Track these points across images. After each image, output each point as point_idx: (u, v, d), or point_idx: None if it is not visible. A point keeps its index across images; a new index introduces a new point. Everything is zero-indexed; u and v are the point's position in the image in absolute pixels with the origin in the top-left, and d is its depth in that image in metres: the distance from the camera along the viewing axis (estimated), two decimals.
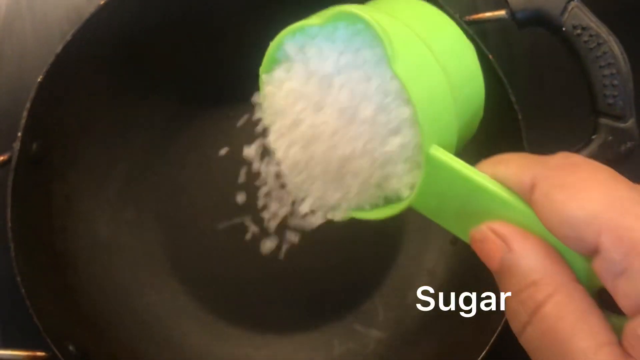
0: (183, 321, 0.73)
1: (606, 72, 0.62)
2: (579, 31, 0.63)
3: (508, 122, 0.65)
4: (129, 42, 0.70)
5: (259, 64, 0.46)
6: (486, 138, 0.68)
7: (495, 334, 0.62)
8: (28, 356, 0.61)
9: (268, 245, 0.70)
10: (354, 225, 0.48)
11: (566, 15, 0.63)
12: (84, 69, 0.69)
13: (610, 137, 0.63)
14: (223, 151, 0.64)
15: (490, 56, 0.65)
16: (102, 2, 0.65)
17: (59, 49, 0.64)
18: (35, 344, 0.61)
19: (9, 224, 0.62)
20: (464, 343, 0.67)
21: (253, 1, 0.71)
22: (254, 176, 0.50)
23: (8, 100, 0.78)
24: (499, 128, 0.66)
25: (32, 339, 0.61)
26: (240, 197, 0.58)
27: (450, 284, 0.73)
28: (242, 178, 0.63)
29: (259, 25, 0.59)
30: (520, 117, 0.64)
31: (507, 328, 0.60)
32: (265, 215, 0.50)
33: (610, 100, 0.62)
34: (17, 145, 0.63)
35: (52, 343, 0.61)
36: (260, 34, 0.46)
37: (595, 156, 0.63)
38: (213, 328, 0.73)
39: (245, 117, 0.52)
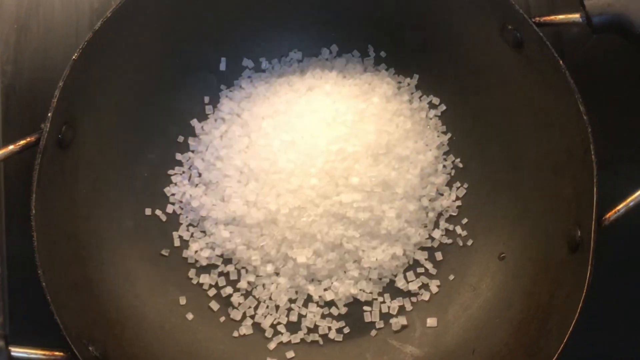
0: (208, 326, 0.68)
1: None
2: None
3: (575, 134, 0.61)
4: (168, 18, 0.66)
5: None
6: (556, 153, 0.64)
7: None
8: (45, 355, 0.56)
9: None
10: None
11: None
12: (120, 48, 0.65)
13: None
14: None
15: (561, 62, 0.60)
16: None
17: (97, 25, 0.60)
18: (53, 342, 0.57)
19: (33, 211, 0.58)
20: None
21: None
22: None
23: (34, 79, 0.73)
24: (565, 140, 0.62)
25: (50, 337, 0.57)
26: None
27: (496, 300, 0.67)
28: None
29: None
30: (589, 129, 0.59)
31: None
32: None
33: None
34: (46, 126, 0.59)
35: (72, 342, 0.57)
36: None
37: None
38: (243, 337, 0.68)
39: None
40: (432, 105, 0.73)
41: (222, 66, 0.72)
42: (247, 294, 0.69)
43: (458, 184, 0.71)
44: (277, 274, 0.68)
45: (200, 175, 0.70)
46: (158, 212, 0.71)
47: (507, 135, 0.69)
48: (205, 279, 0.69)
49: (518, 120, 0.68)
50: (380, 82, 0.71)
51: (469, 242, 0.70)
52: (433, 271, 0.70)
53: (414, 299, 0.69)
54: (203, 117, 0.72)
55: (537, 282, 0.64)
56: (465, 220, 0.71)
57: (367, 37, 0.72)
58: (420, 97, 0.72)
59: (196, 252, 0.69)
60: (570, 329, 0.57)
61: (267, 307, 0.68)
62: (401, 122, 0.69)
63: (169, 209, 0.71)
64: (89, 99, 0.64)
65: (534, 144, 0.67)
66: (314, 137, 0.66)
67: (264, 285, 0.68)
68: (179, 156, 0.71)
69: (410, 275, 0.69)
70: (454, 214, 0.71)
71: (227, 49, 0.72)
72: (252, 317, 0.69)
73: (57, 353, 0.57)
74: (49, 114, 0.59)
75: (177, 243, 0.70)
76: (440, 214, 0.70)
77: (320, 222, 0.65)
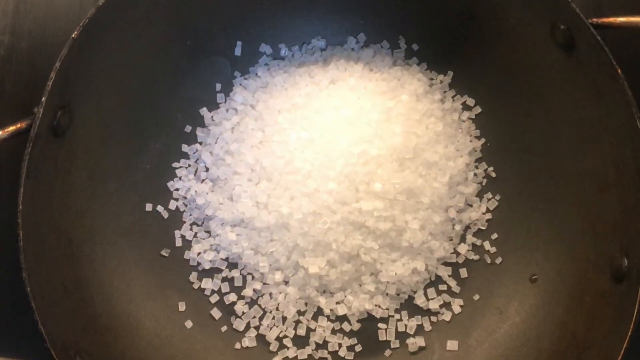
0: (208, 335, 0.64)
1: None
2: None
3: (628, 150, 0.55)
4: None
5: None
6: (603, 169, 0.58)
7: None
8: None
9: None
10: None
11: None
12: (125, 27, 0.60)
13: None
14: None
15: (619, 70, 0.54)
16: None
17: (101, 1, 0.54)
18: (37, 353, 0.52)
19: (20, 207, 0.53)
20: None
21: None
22: None
23: (33, 51, 0.68)
24: (615, 156, 0.56)
25: (33, 347, 0.52)
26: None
27: (524, 326, 0.62)
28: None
29: None
30: None
31: None
32: None
33: None
34: (39, 110, 0.54)
35: (56, 354, 0.52)
36: None
37: None
38: (246, 349, 0.64)
39: None
40: (466, 107, 0.67)
41: (238, 51, 0.67)
42: (252, 303, 0.64)
43: (489, 195, 0.66)
44: (286, 283, 0.64)
45: (207, 170, 0.66)
46: (160, 208, 0.66)
47: (547, 145, 0.64)
48: (207, 284, 0.65)
49: (562, 129, 0.62)
50: (411, 78, 0.66)
51: (498, 260, 0.65)
52: (456, 289, 0.65)
53: (433, 319, 0.65)
54: (214, 106, 0.67)
55: (573, 312, 0.59)
56: (495, 236, 0.66)
57: (399, 26, 0.67)
58: (453, 97, 0.67)
59: (199, 254, 0.65)
60: None
61: (274, 318, 0.64)
62: (431, 123, 0.64)
63: (172, 205, 0.66)
64: (88, 83, 0.58)
65: (578, 157, 0.61)
66: (335, 137, 0.62)
67: (271, 294, 0.64)
68: (185, 148, 0.66)
69: (431, 292, 0.65)
70: (483, 228, 0.66)
71: (243, 33, 0.67)
72: (257, 328, 0.64)
73: None
74: (43, 98, 0.53)
75: (178, 243, 0.65)
76: (467, 227, 0.66)
77: (337, 231, 0.61)
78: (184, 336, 0.63)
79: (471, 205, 0.66)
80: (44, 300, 0.53)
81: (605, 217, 0.58)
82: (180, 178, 0.66)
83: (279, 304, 0.64)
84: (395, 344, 0.64)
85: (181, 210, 0.66)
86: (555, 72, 0.61)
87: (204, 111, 0.67)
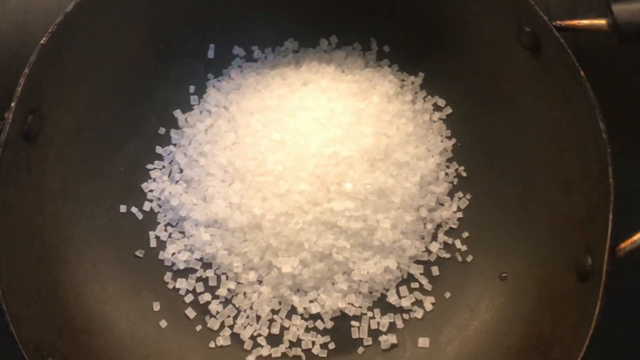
0: (183, 335, 0.64)
1: None
2: None
3: (592, 152, 0.55)
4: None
5: None
6: (569, 170, 0.59)
7: None
8: None
9: None
10: None
11: None
12: (96, 31, 0.60)
13: None
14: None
15: (582, 72, 0.55)
16: None
17: (70, 7, 0.55)
18: (9, 354, 0.53)
19: None
20: None
21: None
22: None
23: (11, 55, 0.68)
24: (581, 157, 0.57)
25: (4, 348, 0.53)
26: None
27: (494, 323, 0.63)
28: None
29: None
30: (609, 149, 0.54)
31: None
32: None
33: None
34: (9, 115, 0.54)
35: (28, 356, 0.52)
36: None
37: None
38: (220, 348, 0.65)
39: None
40: (437, 108, 0.68)
41: (211, 53, 0.67)
42: (226, 302, 0.65)
43: (460, 194, 0.67)
44: (259, 282, 0.64)
45: (181, 171, 0.66)
46: (134, 209, 0.66)
47: (516, 146, 0.64)
48: (182, 284, 0.65)
49: (530, 130, 0.63)
50: (382, 80, 0.66)
51: (469, 258, 0.66)
52: (428, 287, 0.66)
53: (405, 316, 0.65)
54: (187, 108, 0.67)
55: (540, 309, 0.60)
56: (466, 234, 0.66)
57: (371, 29, 0.68)
58: (424, 98, 0.67)
59: (173, 254, 0.65)
60: None
61: (248, 317, 0.64)
62: (402, 124, 0.65)
63: (146, 206, 0.66)
64: (59, 87, 0.59)
65: (545, 158, 0.62)
66: (306, 138, 0.62)
67: (245, 293, 0.64)
68: (159, 149, 0.67)
69: (403, 290, 0.65)
70: (454, 226, 0.66)
71: (216, 35, 0.67)
72: (231, 327, 0.65)
73: None
74: (13, 104, 0.54)
75: (153, 244, 0.66)
76: (439, 226, 0.66)
77: (309, 231, 0.62)
78: (158, 336, 0.64)
79: (442, 204, 0.66)
80: (17, 302, 0.53)
81: (571, 216, 0.59)
82: (154, 179, 0.66)
83: (252, 303, 0.64)
84: (368, 341, 0.64)
85: (155, 211, 0.66)
86: (523, 74, 0.61)
87: (177, 113, 0.67)
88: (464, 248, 0.66)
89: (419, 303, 0.65)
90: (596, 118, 0.54)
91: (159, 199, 0.66)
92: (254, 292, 0.64)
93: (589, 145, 0.56)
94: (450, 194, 0.66)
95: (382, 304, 0.65)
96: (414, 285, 0.65)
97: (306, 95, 0.64)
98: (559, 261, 0.59)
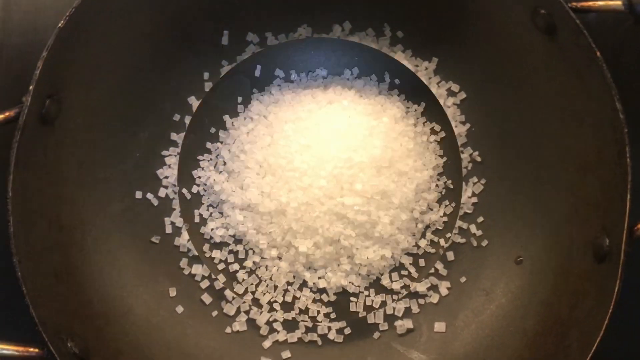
0: (199, 320, 0.65)
1: None
2: None
3: (609, 133, 0.55)
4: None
5: None
6: (585, 152, 0.59)
7: None
8: (19, 352, 0.52)
9: None
10: None
11: None
12: (113, 16, 0.60)
13: None
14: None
15: (598, 53, 0.55)
16: None
17: None
18: (29, 337, 0.53)
19: (9, 194, 0.53)
20: None
21: None
22: None
23: (23, 43, 0.69)
24: (597, 139, 0.57)
25: (25, 331, 0.53)
26: None
27: (510, 307, 0.63)
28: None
29: None
30: (626, 129, 0.54)
31: None
32: None
33: None
34: (27, 99, 0.54)
35: (48, 338, 0.52)
36: None
37: None
38: (236, 333, 0.66)
39: None
40: (450, 93, 0.70)
41: (257, 73, 0.72)
42: (251, 272, 0.69)
43: (475, 179, 0.68)
44: (279, 258, 0.69)
45: (225, 164, 0.71)
46: (149, 195, 0.67)
47: (531, 129, 0.65)
48: (217, 254, 0.69)
49: (545, 113, 0.63)
50: (391, 105, 0.71)
51: (484, 243, 0.66)
52: (444, 272, 0.67)
53: (421, 301, 0.66)
54: (235, 114, 0.71)
55: (557, 292, 0.60)
56: (480, 219, 0.67)
57: (384, 14, 0.71)
58: (424, 123, 0.72)
59: (212, 229, 0.69)
60: (594, 347, 0.52)
61: (267, 285, 0.68)
62: (405, 141, 0.70)
63: (162, 192, 0.69)
64: (76, 72, 0.59)
65: (560, 140, 0.62)
66: (328, 144, 0.68)
67: (266, 266, 0.69)
68: (209, 145, 0.71)
69: (394, 275, 0.69)
70: (469, 211, 0.68)
71: (263, 60, 0.72)
72: (247, 312, 0.67)
73: (31, 349, 0.52)
74: (31, 87, 0.54)
75: (168, 230, 0.68)
76: (427, 227, 0.70)
77: (323, 219, 0.67)
78: (175, 321, 0.64)
79: (432, 209, 0.69)
80: (35, 286, 0.53)
81: (587, 199, 0.59)
82: (202, 168, 0.70)
83: (272, 274, 0.68)
84: (384, 326, 0.66)
85: (201, 194, 0.70)
86: (537, 56, 0.61)
87: (226, 117, 0.71)
88: (479, 233, 0.67)
89: (434, 288, 0.66)
90: (613, 98, 0.54)
91: (205, 184, 0.70)
92: (274, 266, 0.69)
93: (606, 126, 0.56)
94: (439, 202, 0.70)
95: (376, 285, 0.68)
96: (404, 272, 0.68)
97: (330, 111, 0.70)
98: (575, 243, 0.60)
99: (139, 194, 0.67)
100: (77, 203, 0.62)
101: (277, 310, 0.67)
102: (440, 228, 0.69)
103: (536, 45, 0.61)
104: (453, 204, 0.69)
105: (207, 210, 0.70)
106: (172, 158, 0.69)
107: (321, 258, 0.67)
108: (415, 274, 0.68)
